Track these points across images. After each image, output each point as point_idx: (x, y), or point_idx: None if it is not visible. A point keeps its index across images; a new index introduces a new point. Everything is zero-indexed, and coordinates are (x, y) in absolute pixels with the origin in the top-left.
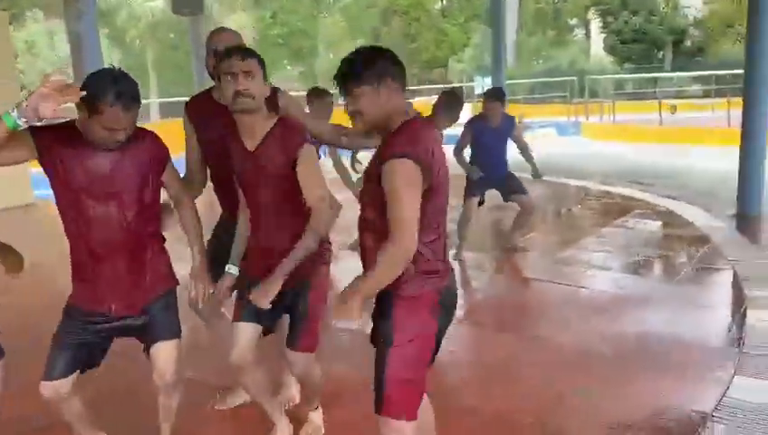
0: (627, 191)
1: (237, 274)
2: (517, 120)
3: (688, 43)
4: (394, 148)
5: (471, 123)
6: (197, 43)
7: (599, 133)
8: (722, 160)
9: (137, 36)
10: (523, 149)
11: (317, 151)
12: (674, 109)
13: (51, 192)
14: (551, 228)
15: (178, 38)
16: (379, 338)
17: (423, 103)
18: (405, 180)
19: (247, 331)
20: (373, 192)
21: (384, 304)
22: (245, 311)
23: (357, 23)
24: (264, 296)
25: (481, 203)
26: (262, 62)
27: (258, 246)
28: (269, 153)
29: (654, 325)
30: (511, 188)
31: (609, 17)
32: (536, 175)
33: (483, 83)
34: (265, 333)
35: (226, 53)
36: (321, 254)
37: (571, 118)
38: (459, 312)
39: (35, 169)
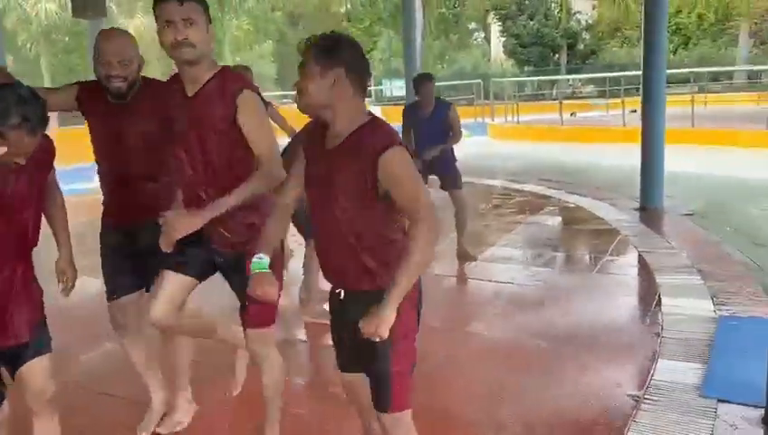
0: (538, 189)
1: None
2: None
3: (581, 46)
4: (386, 138)
5: (406, 113)
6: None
7: (504, 133)
8: (621, 157)
9: (28, 40)
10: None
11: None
12: (574, 113)
13: None
14: (470, 227)
15: (73, 41)
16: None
17: None
18: (412, 166)
19: (171, 280)
20: (353, 184)
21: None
22: (170, 259)
23: (263, 25)
24: (174, 229)
25: None
26: (204, 6)
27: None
28: (207, 101)
29: (578, 316)
30: (446, 179)
31: (508, 21)
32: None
33: (390, 86)
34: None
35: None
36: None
37: (478, 119)
38: None
39: None
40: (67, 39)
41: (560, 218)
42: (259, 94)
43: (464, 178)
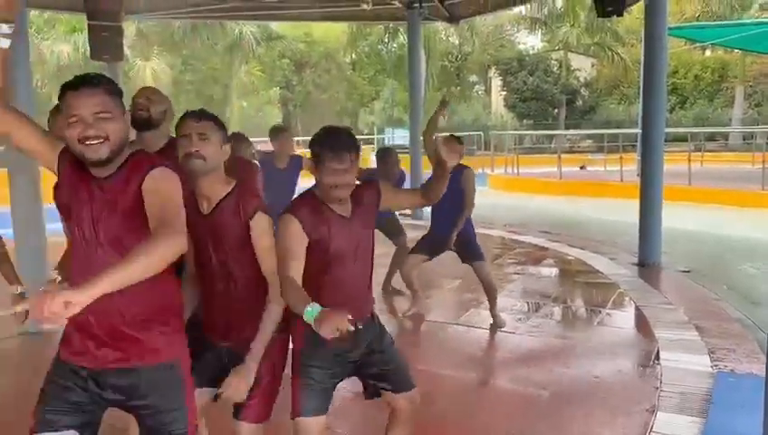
0: (537, 240)
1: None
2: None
3: (580, 102)
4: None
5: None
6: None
7: (504, 185)
8: (619, 213)
9: (41, 79)
10: None
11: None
12: (584, 166)
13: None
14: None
15: None
16: (387, 342)
17: None
18: None
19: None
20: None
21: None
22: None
23: (271, 72)
24: (240, 391)
25: None
26: (220, 125)
27: (214, 314)
28: (222, 218)
29: (578, 367)
30: (465, 252)
31: (509, 76)
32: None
33: (392, 135)
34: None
35: (182, 116)
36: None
37: (478, 170)
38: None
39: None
40: None
41: (559, 271)
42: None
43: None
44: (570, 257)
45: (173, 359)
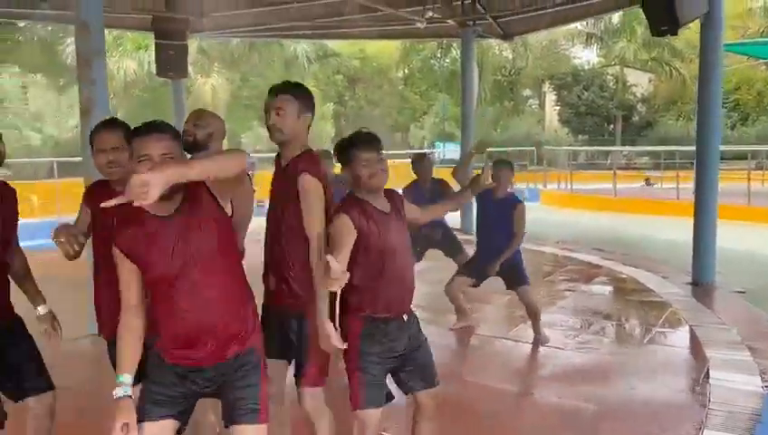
0: (590, 258)
1: None
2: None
3: (636, 118)
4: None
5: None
6: (179, 103)
7: (557, 201)
8: (674, 231)
9: (109, 93)
10: None
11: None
12: (649, 181)
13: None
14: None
15: (149, 96)
16: (423, 337)
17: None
18: None
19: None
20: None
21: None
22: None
23: (325, 88)
24: (332, 341)
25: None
26: (298, 98)
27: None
28: (291, 174)
29: (628, 383)
30: (510, 277)
31: (564, 91)
32: None
33: (444, 150)
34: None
35: (270, 91)
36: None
37: (530, 185)
38: (455, 368)
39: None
40: (144, 94)
41: (612, 288)
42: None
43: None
44: (623, 275)
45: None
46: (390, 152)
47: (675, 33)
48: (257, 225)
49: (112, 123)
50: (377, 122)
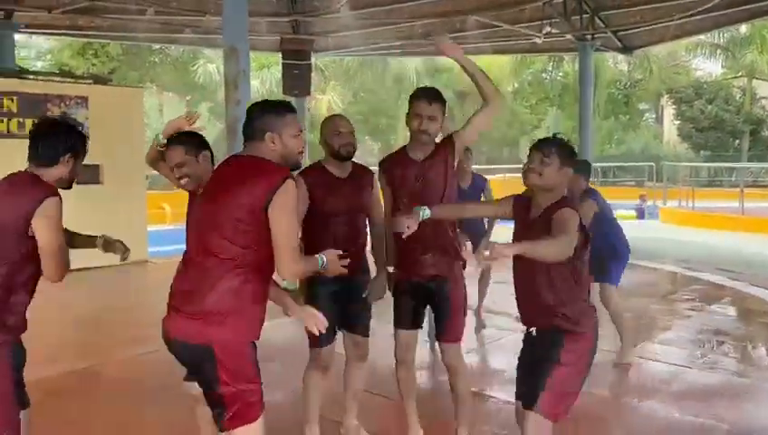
0: (715, 278)
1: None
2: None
3: (766, 132)
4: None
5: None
6: (301, 120)
7: (678, 218)
8: None
9: None
10: None
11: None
12: None
13: (164, 250)
14: (643, 310)
15: None
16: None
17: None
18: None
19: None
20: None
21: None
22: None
23: None
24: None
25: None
26: (445, 105)
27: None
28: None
29: (756, 408)
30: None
31: (684, 105)
32: None
33: None
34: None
35: (415, 96)
36: (458, 253)
37: (648, 202)
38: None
39: (152, 227)
40: None
41: (738, 309)
42: None
43: (633, 261)
44: (751, 297)
45: None
46: (497, 166)
47: None
48: None
49: (172, 141)
50: (484, 136)
